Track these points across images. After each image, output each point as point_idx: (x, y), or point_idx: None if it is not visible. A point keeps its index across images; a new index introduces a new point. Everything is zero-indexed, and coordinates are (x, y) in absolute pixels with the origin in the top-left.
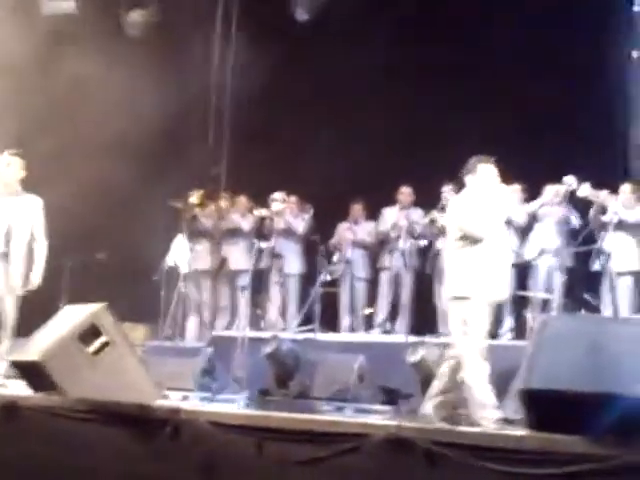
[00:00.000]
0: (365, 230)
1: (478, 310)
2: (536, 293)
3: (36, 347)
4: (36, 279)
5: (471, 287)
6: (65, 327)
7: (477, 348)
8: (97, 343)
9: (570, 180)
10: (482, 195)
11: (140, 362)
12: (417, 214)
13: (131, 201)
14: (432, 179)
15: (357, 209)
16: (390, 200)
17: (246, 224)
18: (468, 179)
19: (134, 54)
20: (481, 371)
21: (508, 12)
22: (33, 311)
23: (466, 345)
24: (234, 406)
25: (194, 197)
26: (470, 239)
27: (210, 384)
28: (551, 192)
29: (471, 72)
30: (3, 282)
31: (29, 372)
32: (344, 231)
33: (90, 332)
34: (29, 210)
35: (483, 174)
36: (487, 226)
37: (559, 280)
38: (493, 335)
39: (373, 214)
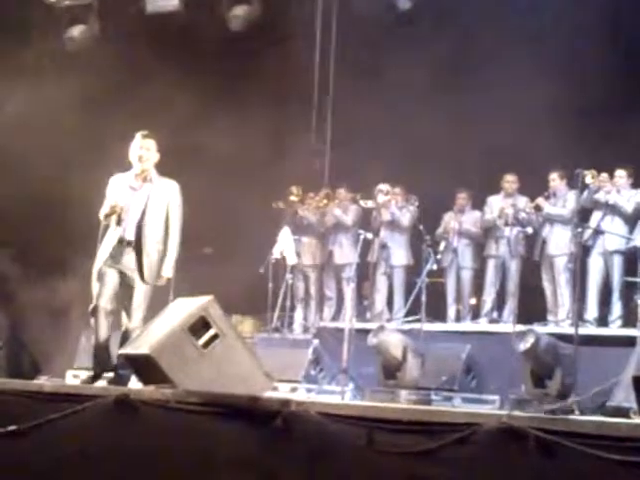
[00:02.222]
0: (470, 219)
1: None
2: None
3: (147, 341)
4: (167, 271)
5: None
6: (175, 320)
7: None
8: (207, 336)
9: None
10: None
11: (250, 354)
12: (522, 201)
13: (236, 194)
14: (537, 167)
15: (462, 198)
16: (494, 189)
17: (349, 218)
18: None
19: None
20: None
21: None
22: None
23: None
24: (342, 397)
25: (294, 194)
26: None
27: (317, 375)
28: None
29: None
30: (134, 273)
31: (140, 365)
32: (450, 220)
33: (200, 325)
34: (164, 196)
35: None
36: None
37: None
38: (603, 322)
39: (477, 203)
